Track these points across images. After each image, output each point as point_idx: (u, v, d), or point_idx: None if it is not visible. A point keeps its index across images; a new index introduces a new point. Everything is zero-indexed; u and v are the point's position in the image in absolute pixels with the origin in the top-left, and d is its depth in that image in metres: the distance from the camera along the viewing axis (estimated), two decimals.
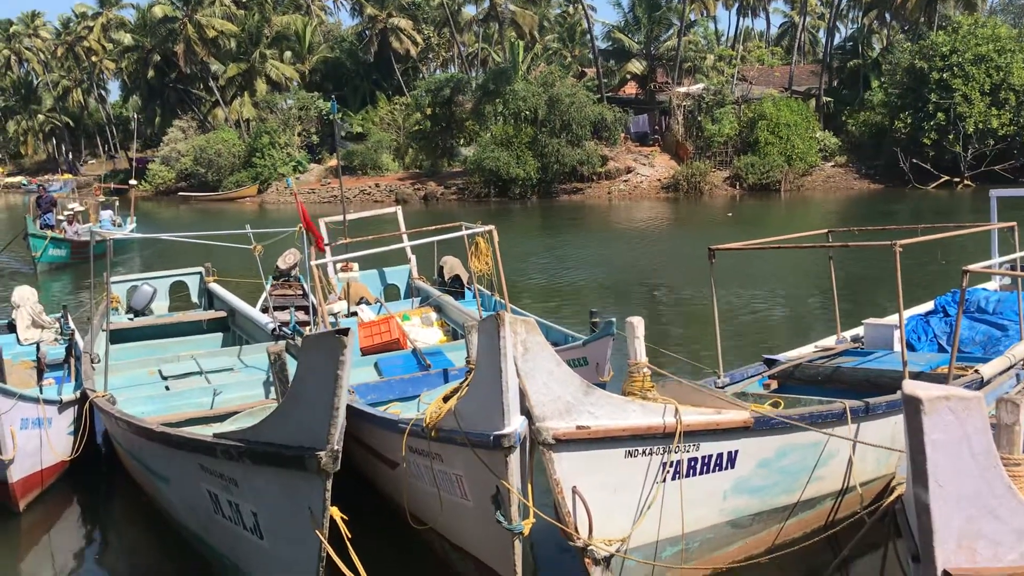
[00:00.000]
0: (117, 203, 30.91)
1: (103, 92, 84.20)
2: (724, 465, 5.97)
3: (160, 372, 9.81)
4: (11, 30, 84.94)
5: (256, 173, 56.97)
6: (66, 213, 27.50)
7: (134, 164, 64.54)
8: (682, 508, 5.78)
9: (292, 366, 7.40)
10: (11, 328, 11.85)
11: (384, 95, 63.71)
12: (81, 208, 29.82)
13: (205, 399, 8.99)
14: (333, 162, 59.60)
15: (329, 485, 5.09)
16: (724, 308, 13.78)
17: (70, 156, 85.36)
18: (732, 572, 6.31)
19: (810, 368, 8.50)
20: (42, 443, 8.07)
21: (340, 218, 14.55)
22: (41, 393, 8.44)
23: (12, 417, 7.64)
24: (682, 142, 50.04)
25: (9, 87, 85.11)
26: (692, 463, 5.80)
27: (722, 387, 7.89)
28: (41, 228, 25.08)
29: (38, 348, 9.99)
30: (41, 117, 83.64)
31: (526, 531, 5.38)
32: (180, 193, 58.63)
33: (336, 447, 5.00)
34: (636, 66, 55.58)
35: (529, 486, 5.49)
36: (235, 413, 8.27)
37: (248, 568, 6.10)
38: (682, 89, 51.52)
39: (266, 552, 5.76)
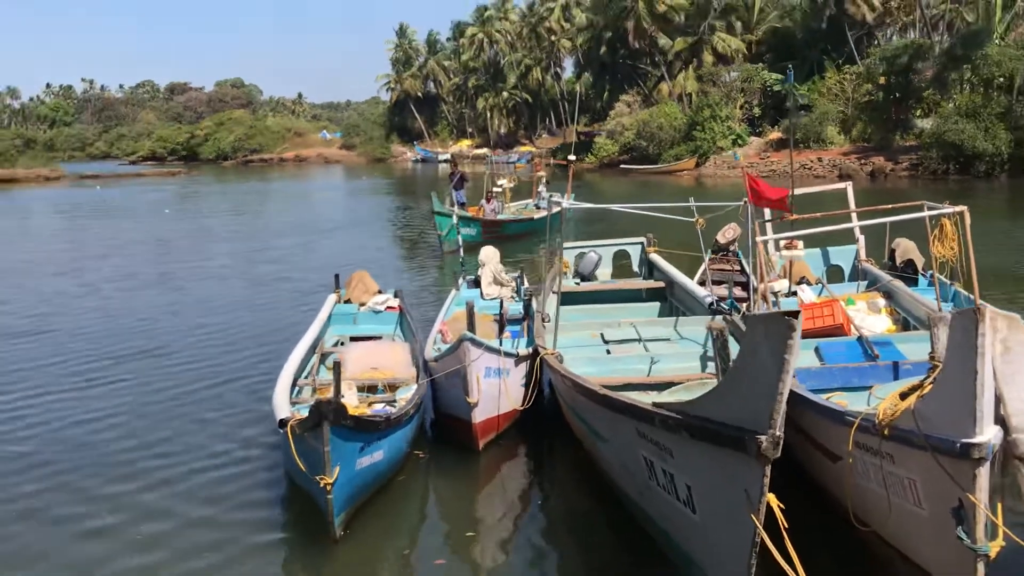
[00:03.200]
0: (545, 179, 30.90)
1: (558, 70, 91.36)
2: None
3: (602, 336, 10.33)
4: (485, 15, 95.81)
5: (695, 147, 57.92)
6: (495, 189, 27.73)
7: (581, 137, 69.10)
8: None
9: (730, 344, 7.37)
10: (476, 284, 13.44)
11: (832, 64, 60.56)
12: (510, 185, 29.90)
13: (642, 366, 9.29)
14: (774, 135, 58.48)
15: (768, 471, 4.95)
16: None
17: (526, 130, 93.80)
18: None
19: None
20: (500, 391, 8.92)
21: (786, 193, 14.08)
22: (501, 345, 9.32)
23: (479, 365, 8.56)
24: None
25: (481, 67, 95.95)
26: None
27: None
28: (451, 206, 24.42)
29: (501, 304, 11.08)
30: (505, 94, 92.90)
31: (992, 553, 4.82)
32: (621, 166, 61.44)
33: (778, 433, 4.84)
34: None
35: (999, 503, 4.91)
36: (671, 383, 8.46)
37: (679, 539, 6.20)
38: None
39: (698, 527, 5.80)
